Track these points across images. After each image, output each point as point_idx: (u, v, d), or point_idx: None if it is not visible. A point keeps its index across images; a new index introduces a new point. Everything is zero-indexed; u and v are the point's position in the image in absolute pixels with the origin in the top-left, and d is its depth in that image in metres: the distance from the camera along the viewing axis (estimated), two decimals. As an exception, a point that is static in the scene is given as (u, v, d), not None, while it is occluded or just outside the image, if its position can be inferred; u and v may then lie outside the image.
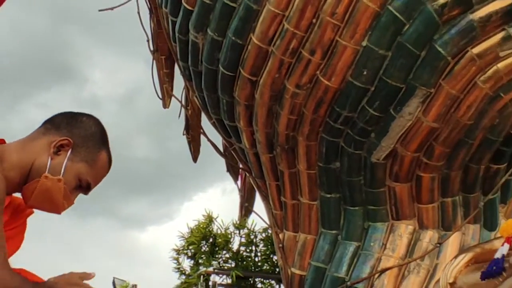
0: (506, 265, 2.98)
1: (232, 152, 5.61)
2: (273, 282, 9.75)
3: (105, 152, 2.80)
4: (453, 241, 4.67)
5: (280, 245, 5.17)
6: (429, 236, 4.71)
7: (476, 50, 4.16)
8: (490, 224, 4.88)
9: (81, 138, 2.72)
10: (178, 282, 10.25)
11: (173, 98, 6.64)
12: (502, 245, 3.07)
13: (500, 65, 4.19)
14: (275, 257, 9.90)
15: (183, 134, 7.39)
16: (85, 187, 2.83)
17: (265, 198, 5.37)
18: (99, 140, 2.78)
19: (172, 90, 6.67)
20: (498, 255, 3.06)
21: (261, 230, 9.47)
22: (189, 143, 7.45)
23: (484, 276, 3.07)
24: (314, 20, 4.27)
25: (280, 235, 5.20)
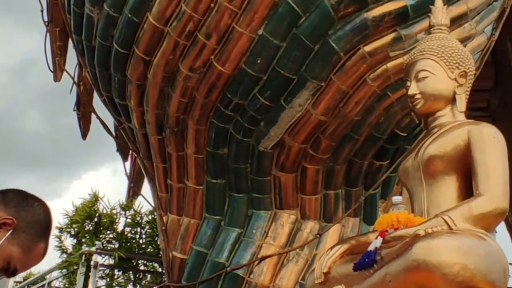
0: (378, 258, 3.07)
1: (122, 131, 5.52)
2: (156, 264, 9.68)
3: (43, 244, 2.68)
4: (332, 233, 4.78)
5: (163, 228, 5.14)
6: (310, 227, 4.80)
7: (368, 48, 4.26)
8: (369, 218, 5.02)
9: (26, 222, 2.60)
10: (59, 260, 10.02)
11: (65, 72, 6.47)
12: (376, 238, 3.16)
13: (390, 64, 4.31)
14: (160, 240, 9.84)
15: (74, 110, 7.22)
16: (10, 272, 2.71)
17: (151, 180, 5.32)
18: (42, 230, 2.66)
19: (64, 64, 6.50)
20: (371, 247, 3.13)
21: (147, 212, 9.35)
22: (79, 119, 7.29)
23: (356, 267, 3.15)
24: (212, 5, 4.25)
25: (164, 218, 5.17)
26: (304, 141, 4.55)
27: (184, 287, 4.87)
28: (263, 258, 4.63)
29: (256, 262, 4.62)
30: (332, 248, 3.39)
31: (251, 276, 4.61)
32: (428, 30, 3.55)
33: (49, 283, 10.58)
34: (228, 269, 4.64)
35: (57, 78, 6.76)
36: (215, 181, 4.82)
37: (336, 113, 4.45)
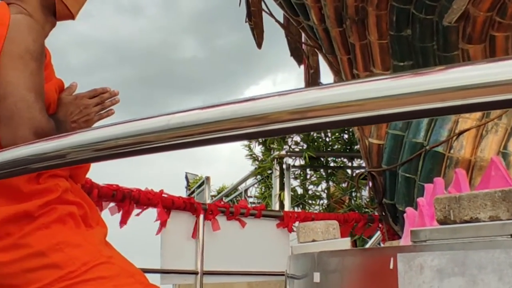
0: None
1: (301, 30, 5.63)
2: (345, 160, 9.93)
3: None
4: (529, 99, 4.67)
5: (356, 118, 5.22)
6: (505, 96, 4.71)
7: None
8: None
9: None
10: (251, 169, 10.52)
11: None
12: None
13: None
14: (345, 136, 10.04)
15: (245, 22, 7.40)
16: None
17: (336, 73, 5.42)
18: None
19: (232, -24, 6.65)
20: None
21: (329, 112, 9.53)
22: (252, 29, 7.46)
23: None
24: None
25: (355, 108, 5.25)
26: (489, 8, 4.43)
27: (384, 171, 4.99)
28: (461, 132, 4.63)
29: (455, 138, 4.63)
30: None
31: (451, 151, 4.63)
32: None
33: (245, 190, 11.16)
34: (427, 147, 4.69)
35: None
36: (402, 63, 4.83)
37: (521, -26, 4.29)
